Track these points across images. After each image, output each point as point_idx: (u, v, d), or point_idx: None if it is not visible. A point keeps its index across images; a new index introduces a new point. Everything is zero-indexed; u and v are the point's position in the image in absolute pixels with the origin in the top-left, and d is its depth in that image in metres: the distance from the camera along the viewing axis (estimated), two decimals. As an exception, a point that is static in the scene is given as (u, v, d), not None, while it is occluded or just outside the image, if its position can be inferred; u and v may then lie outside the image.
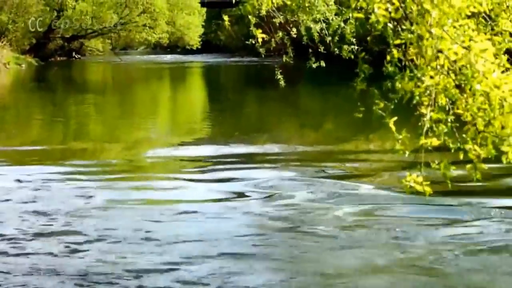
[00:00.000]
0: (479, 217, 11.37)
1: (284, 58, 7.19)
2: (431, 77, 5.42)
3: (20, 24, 59.92)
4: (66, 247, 10.04)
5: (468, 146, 5.39)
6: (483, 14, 5.50)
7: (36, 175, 15.01)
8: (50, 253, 9.77)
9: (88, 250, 9.89)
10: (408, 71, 5.68)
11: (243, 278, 8.84)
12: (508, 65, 5.18)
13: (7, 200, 12.81)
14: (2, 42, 53.20)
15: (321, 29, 7.00)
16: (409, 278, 8.83)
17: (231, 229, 11.01)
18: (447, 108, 5.51)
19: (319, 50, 6.81)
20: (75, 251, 9.87)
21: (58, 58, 66.74)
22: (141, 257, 9.66)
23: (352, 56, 6.32)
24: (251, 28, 6.79)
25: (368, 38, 6.31)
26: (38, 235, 10.67)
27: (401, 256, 9.62)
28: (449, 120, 5.51)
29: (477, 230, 10.73)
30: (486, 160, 5.39)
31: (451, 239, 10.32)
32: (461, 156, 5.45)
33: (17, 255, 9.66)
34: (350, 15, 6.89)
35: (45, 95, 37.17)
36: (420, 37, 5.33)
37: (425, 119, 5.35)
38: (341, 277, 8.89)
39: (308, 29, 8.57)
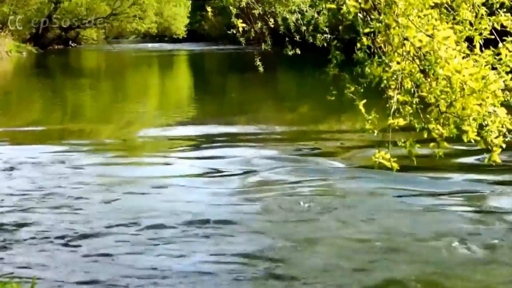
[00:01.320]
0: (440, 190, 11.40)
1: (263, 46, 7.15)
2: (398, 63, 5.40)
3: (21, 14, 59.57)
4: (61, 219, 10.01)
5: (432, 126, 5.38)
6: (445, 5, 5.48)
7: (35, 153, 14.94)
8: (46, 222, 9.75)
9: (80, 221, 9.87)
10: (376, 58, 5.67)
11: (221, 242, 8.86)
12: (468, 52, 5.17)
13: (9, 175, 12.76)
14: (4, 32, 52.79)
15: (297, 19, 6.96)
16: (365, 247, 8.83)
17: (213, 201, 11.05)
18: (412, 91, 5.50)
19: (295, 38, 6.78)
20: (69, 221, 9.85)
21: (56, 47, 66.40)
22: (131, 224, 9.67)
23: (325, 44, 6.29)
24: (232, 19, 6.76)
25: (340, 27, 6.29)
26: (37, 206, 10.65)
27: (363, 225, 9.64)
28: (414, 102, 5.51)
29: (437, 202, 10.76)
30: (448, 139, 5.38)
31: (409, 208, 10.36)
32: (425, 135, 5.45)
33: (19, 224, 9.63)
34: (323, 6, 6.87)
35: (44, 80, 36.95)
36: (388, 26, 5.31)
37: (392, 101, 5.34)
38: (303, 245, 8.89)
39: (285, 19, 8.56)
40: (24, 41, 58.41)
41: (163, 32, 76.98)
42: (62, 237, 9.17)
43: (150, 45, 76.61)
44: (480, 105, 5.05)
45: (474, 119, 5.12)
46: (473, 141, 5.17)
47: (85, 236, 9.27)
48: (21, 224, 9.74)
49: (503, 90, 5.11)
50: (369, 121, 5.55)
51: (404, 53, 5.37)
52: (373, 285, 7.57)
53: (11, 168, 13.52)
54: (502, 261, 8.26)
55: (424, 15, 5.20)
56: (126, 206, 10.73)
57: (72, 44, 70.71)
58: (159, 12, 71.33)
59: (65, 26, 65.48)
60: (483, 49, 5.16)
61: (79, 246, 8.87)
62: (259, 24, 7.14)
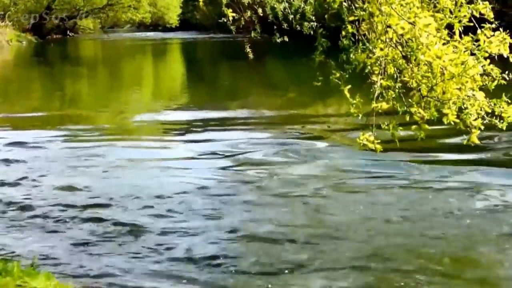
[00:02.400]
0: (422, 170, 11.43)
1: (252, 34, 7.12)
2: (381, 49, 5.40)
3: (21, 6, 59.31)
4: (61, 198, 10.01)
5: (414, 109, 5.38)
6: (426, -7, 5.46)
7: (36, 138, 14.91)
8: (47, 202, 9.75)
9: (79, 200, 9.87)
10: (361, 44, 5.66)
11: (210, 217, 8.88)
12: (448, 38, 5.16)
13: (11, 158, 12.73)
14: (5, 22, 52.53)
15: (284, 8, 6.93)
16: (350, 221, 8.85)
17: (205, 181, 11.05)
18: (395, 76, 5.50)
19: (283, 26, 6.74)
20: (68, 200, 9.85)
21: (54, 36, 66.04)
22: (128, 202, 9.69)
23: (312, 32, 6.26)
24: (223, 8, 6.73)
25: (326, 16, 6.27)
26: (37, 186, 10.65)
27: (347, 201, 9.66)
28: (397, 87, 5.50)
29: (419, 179, 10.79)
30: (429, 121, 5.39)
31: (391, 186, 10.39)
32: (407, 118, 5.45)
33: (20, 205, 9.62)
34: (310, -5, 6.87)
35: (44, 68, 36.81)
36: (372, 14, 5.30)
37: (376, 86, 5.34)
38: (286, 220, 8.99)
39: (273, 8, 8.54)
40: (24, 31, 58.10)
41: (156, 22, 76.70)
42: (61, 216, 9.17)
43: (144, 34, 76.35)
44: (459, 89, 5.05)
45: (454, 103, 5.13)
46: (453, 123, 5.18)
47: (84, 214, 9.27)
48: (22, 205, 9.72)
49: (481, 75, 5.11)
50: (354, 105, 5.55)
51: (387, 40, 5.36)
52: (362, 255, 7.58)
53: (13, 152, 13.49)
54: (478, 228, 8.32)
55: (406, 4, 5.18)
56: (123, 185, 10.74)
57: (70, 34, 70.33)
58: (152, 2, 71.11)
59: (63, 17, 65.22)
60: (462, 35, 5.15)
61: (78, 223, 8.87)
62: (249, 13, 7.11)
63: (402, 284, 6.90)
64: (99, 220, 9.04)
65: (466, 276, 7.20)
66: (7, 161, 12.60)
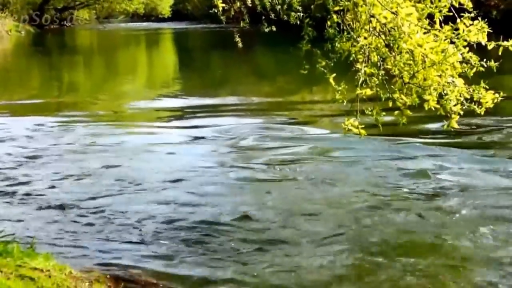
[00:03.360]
0: (404, 153, 11.45)
1: (242, 24, 7.08)
2: (365, 38, 5.39)
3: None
4: (57, 182, 9.99)
5: (396, 96, 5.38)
6: (408, -16, 5.44)
7: (34, 124, 14.87)
8: (43, 186, 9.72)
9: (75, 184, 9.84)
10: (345, 34, 5.64)
11: (201, 198, 8.88)
12: (429, 27, 5.15)
13: (10, 143, 12.69)
14: (4, 13, 52.24)
15: (272, -1, 6.90)
16: (337, 203, 8.87)
17: (197, 165, 11.03)
18: (378, 64, 5.49)
19: (271, 17, 6.71)
20: (64, 184, 9.83)
21: (52, 26, 65.73)
22: (124, 186, 9.67)
23: (299, 22, 6.24)
24: (213, -1, 6.71)
25: (312, 6, 6.25)
26: (34, 171, 10.61)
27: (334, 183, 9.67)
28: (380, 74, 5.50)
29: (401, 163, 10.80)
30: (411, 107, 5.38)
31: (376, 169, 10.40)
32: (390, 104, 5.45)
33: (18, 188, 9.59)
34: (297, -14, 6.84)
35: (42, 57, 36.67)
36: (356, 4, 5.28)
37: (360, 73, 5.33)
38: (275, 202, 9.00)
39: (261, -1, 8.53)
40: (22, 21, 57.84)
41: (149, 12, 76.50)
42: (58, 199, 9.14)
43: (138, 24, 76.03)
44: (440, 76, 5.05)
45: (434, 89, 5.12)
46: (433, 109, 5.18)
47: (80, 197, 9.25)
48: (21, 188, 9.69)
49: (461, 62, 5.11)
50: (339, 92, 5.55)
51: (371, 29, 5.35)
52: (350, 236, 7.59)
53: (12, 137, 13.46)
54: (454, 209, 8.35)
55: (389, -6, 5.17)
56: (117, 169, 10.71)
57: (66, 24, 70.00)
58: (146, -6, 71.02)
59: (59, 7, 64.98)
60: (442, 25, 5.14)
61: (73, 206, 8.85)
62: (238, 4, 7.07)
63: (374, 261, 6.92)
64: (94, 203, 9.02)
65: (436, 254, 7.22)
66: (6, 146, 12.56)
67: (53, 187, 9.79)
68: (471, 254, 7.11)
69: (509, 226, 7.86)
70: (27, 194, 9.39)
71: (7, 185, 9.84)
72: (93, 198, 9.22)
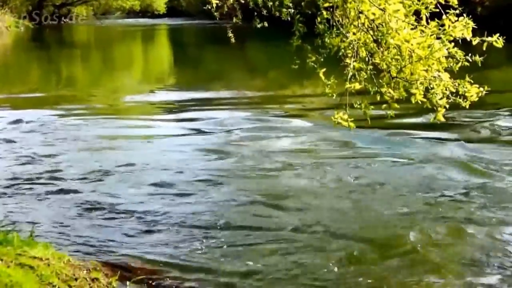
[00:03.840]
0: (391, 145, 11.50)
1: (234, 20, 7.08)
2: (354, 34, 5.38)
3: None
4: (57, 173, 9.97)
5: (384, 90, 5.39)
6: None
7: (33, 116, 14.84)
8: (43, 175, 9.70)
9: (74, 173, 9.83)
10: (335, 29, 5.64)
11: (198, 189, 8.87)
12: (415, 23, 5.15)
13: (10, 136, 12.68)
14: (4, 9, 52.05)
15: (264, -5, 6.89)
16: (329, 193, 8.89)
17: (193, 157, 11.06)
18: (366, 59, 5.49)
19: (263, 13, 6.70)
20: (63, 174, 9.81)
21: (50, 22, 65.48)
22: (117, 177, 9.66)
23: (290, 18, 6.24)
24: (207, -4, 6.70)
25: (303, 3, 6.24)
26: (33, 161, 10.60)
27: (326, 173, 9.69)
28: (368, 68, 5.50)
29: (389, 153, 10.84)
30: (398, 101, 5.39)
31: (364, 159, 10.42)
32: (378, 98, 5.45)
33: (17, 178, 9.57)
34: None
35: (41, 52, 36.56)
36: (345, 1, 5.28)
37: (349, 68, 5.32)
38: (270, 192, 8.99)
39: (254, -4, 8.53)
40: (22, 17, 57.64)
41: (145, 9, 76.30)
42: (56, 191, 9.13)
43: (134, 20, 75.81)
44: (426, 70, 5.05)
45: (421, 83, 5.13)
46: (420, 102, 5.19)
47: (78, 187, 9.25)
48: (21, 178, 9.67)
49: (446, 57, 5.11)
50: (329, 86, 5.54)
51: (359, 25, 5.34)
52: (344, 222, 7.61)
53: (12, 129, 13.45)
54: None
55: (377, -9, 5.17)
56: (114, 160, 10.70)
57: (64, 20, 69.73)
58: (141, -9, 70.93)
59: (58, 4, 64.81)
60: (429, 21, 5.14)
61: (72, 195, 8.85)
62: (231, 0, 7.06)
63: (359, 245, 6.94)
64: (91, 193, 9.01)
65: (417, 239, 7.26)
66: (6, 138, 12.54)
67: (51, 178, 9.76)
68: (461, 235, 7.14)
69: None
70: (26, 185, 9.37)
71: (6, 177, 9.82)
72: (90, 189, 9.21)
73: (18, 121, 14.25)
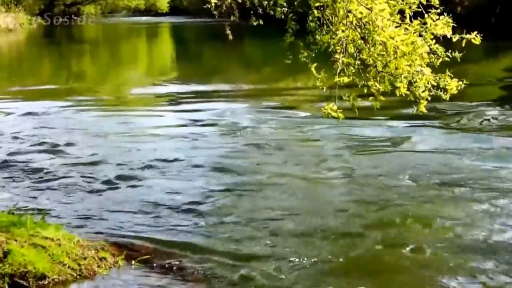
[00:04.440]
0: (377, 134, 11.53)
1: (232, 18, 7.07)
2: (343, 31, 5.38)
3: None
4: (65, 160, 9.98)
5: (371, 83, 5.39)
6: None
7: (44, 108, 14.83)
8: (53, 163, 9.70)
9: (82, 161, 9.83)
10: (325, 27, 5.63)
11: (199, 174, 8.88)
12: (400, 22, 5.15)
13: (23, 125, 12.67)
14: (18, 8, 51.85)
15: (259, -5, 6.88)
16: (320, 179, 8.90)
17: (193, 145, 11.06)
18: (354, 55, 5.48)
19: (258, 11, 6.69)
20: (69, 162, 9.81)
21: (61, 20, 65.21)
22: (124, 164, 9.64)
23: (283, 16, 6.24)
24: (206, -4, 6.69)
25: (295, 2, 6.24)
26: (43, 149, 10.60)
27: (317, 160, 9.71)
28: (356, 63, 5.49)
29: (374, 143, 10.85)
30: (383, 93, 5.39)
31: (353, 148, 10.44)
32: (365, 91, 5.45)
33: (28, 164, 9.56)
34: (282, -16, 6.83)
35: (52, 47, 36.45)
36: (334, 0, 5.28)
37: (338, 63, 5.32)
38: (264, 175, 9.01)
39: (250, -5, 8.52)
40: (34, 15, 57.43)
41: (149, 8, 76.11)
42: (66, 176, 9.14)
43: (139, 18, 75.54)
44: (410, 65, 5.05)
45: (405, 77, 5.13)
46: (404, 95, 5.19)
47: (87, 172, 9.24)
48: (34, 166, 9.67)
49: (428, 53, 5.11)
50: (319, 80, 5.54)
51: (348, 23, 5.34)
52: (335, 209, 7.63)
53: (25, 119, 13.44)
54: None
55: (364, -9, 5.16)
56: (120, 149, 10.71)
57: (74, 18, 69.49)
58: (146, -9, 70.94)
59: (68, 3, 64.63)
60: (412, 19, 5.14)
61: (81, 181, 8.85)
62: (229, 0, 7.06)
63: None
64: (100, 179, 9.02)
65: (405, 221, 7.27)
66: (20, 128, 12.53)
67: (62, 164, 9.77)
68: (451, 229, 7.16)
69: None
70: (39, 172, 9.37)
71: (19, 164, 9.81)
72: (99, 174, 9.22)
73: (30, 112, 14.24)
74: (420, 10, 5.12)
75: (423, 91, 5.15)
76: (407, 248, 6.44)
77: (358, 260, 6.24)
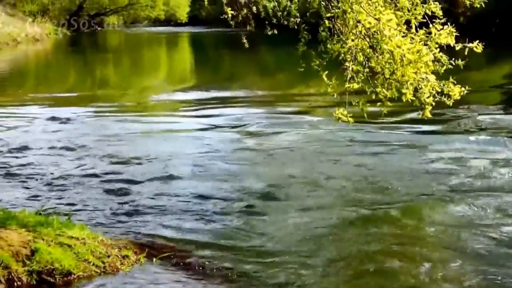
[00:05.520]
0: (385, 138, 11.52)
1: (248, 28, 7.12)
2: (352, 40, 5.42)
3: (58, 4, 58.97)
4: (92, 162, 10.04)
5: (379, 89, 5.43)
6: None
7: (70, 114, 14.93)
8: (78, 166, 9.77)
9: (106, 163, 9.90)
10: (336, 37, 5.67)
11: (217, 177, 8.92)
12: (406, 31, 5.19)
13: (49, 130, 12.76)
14: (45, 18, 52.14)
15: (274, 6, 6.93)
16: (333, 180, 8.92)
17: (211, 149, 11.08)
18: (363, 63, 5.52)
19: (273, 21, 6.74)
20: (94, 165, 9.88)
21: (85, 30, 65.56)
22: (146, 166, 9.70)
23: (296, 26, 6.28)
24: (223, 7, 6.74)
25: (308, 13, 6.28)
26: (70, 153, 10.68)
27: (331, 162, 9.73)
28: (365, 71, 5.53)
29: (384, 146, 10.85)
30: (391, 99, 5.43)
31: (362, 150, 10.45)
32: (374, 97, 5.49)
33: (54, 168, 9.64)
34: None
35: (77, 56, 36.62)
36: (344, 12, 5.32)
37: (348, 70, 5.36)
38: (280, 177, 9.07)
39: (265, 6, 8.56)
40: (60, 26, 57.71)
41: (169, 18, 76.28)
42: (91, 179, 9.18)
43: (159, 28, 75.78)
44: (415, 73, 5.09)
45: (411, 84, 5.17)
46: (410, 100, 5.23)
47: (111, 178, 9.30)
48: (58, 169, 9.75)
49: (433, 61, 5.15)
50: (331, 86, 5.59)
51: (357, 33, 5.38)
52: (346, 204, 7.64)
53: (51, 125, 13.54)
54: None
55: (372, 3, 5.21)
56: (144, 152, 10.74)
57: (98, 28, 69.80)
58: (166, 2, 71.10)
59: (92, 14, 64.98)
60: (417, 29, 5.18)
61: (106, 184, 8.90)
62: (245, 11, 7.11)
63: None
64: (123, 182, 9.06)
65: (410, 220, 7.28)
66: (47, 133, 12.62)
67: (86, 167, 9.84)
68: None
69: None
70: (65, 174, 9.44)
71: (46, 167, 9.89)
72: (120, 177, 9.27)
73: (56, 118, 14.34)
74: (425, 20, 5.16)
75: (428, 97, 5.19)
76: (408, 249, 6.44)
77: (359, 260, 6.24)
